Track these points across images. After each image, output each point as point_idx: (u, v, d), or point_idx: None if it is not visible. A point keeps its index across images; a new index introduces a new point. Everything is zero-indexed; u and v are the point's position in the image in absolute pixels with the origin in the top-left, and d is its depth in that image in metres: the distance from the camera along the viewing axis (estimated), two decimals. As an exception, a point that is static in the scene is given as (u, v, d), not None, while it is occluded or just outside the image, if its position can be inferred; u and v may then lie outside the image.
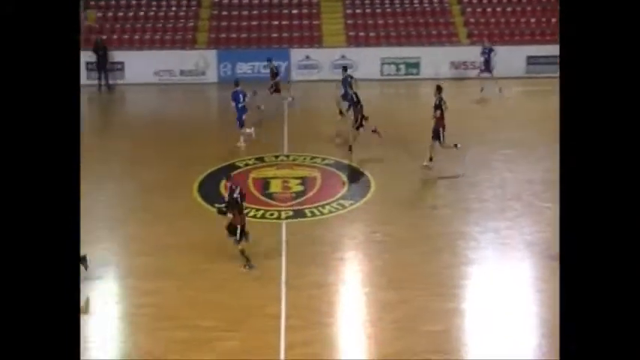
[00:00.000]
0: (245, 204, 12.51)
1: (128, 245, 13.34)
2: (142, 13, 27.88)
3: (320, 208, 14.75)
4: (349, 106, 18.62)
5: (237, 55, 26.37)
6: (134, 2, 28.19)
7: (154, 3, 28.18)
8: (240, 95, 18.18)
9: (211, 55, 26.10)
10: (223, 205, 12.38)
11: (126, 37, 26.84)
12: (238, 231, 12.07)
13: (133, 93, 24.62)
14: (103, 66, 24.80)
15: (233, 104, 18.14)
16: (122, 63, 25.47)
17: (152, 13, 27.90)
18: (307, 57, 26.26)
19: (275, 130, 19.56)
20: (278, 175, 16.59)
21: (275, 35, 27.31)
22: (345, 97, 19.53)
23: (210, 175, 16.48)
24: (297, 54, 26.25)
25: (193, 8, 28.23)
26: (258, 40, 27.23)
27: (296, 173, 16.66)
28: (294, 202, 15.08)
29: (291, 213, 14.52)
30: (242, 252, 12.15)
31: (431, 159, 16.49)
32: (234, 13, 28.10)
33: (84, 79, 25.07)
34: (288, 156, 17.74)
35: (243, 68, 26.04)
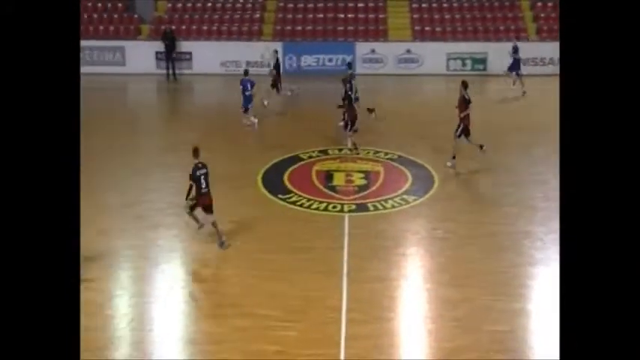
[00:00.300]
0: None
1: (194, 232, 13.56)
2: (209, 5, 28.30)
3: (383, 203, 14.69)
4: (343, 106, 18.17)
5: (302, 47, 26.49)
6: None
7: (222, -6, 28.57)
8: (248, 84, 19.24)
9: (277, 47, 26.28)
10: (190, 197, 12.65)
11: (194, 27, 27.28)
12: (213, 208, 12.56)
13: (200, 83, 25.01)
14: (170, 56, 25.28)
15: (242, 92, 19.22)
16: (190, 53, 25.92)
17: (219, 5, 28.29)
18: (372, 51, 26.17)
19: (338, 123, 19.56)
20: (341, 168, 16.60)
21: (340, 28, 27.31)
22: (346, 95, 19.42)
23: (275, 166, 16.63)
24: (362, 47, 26.19)
25: (260, 0, 28.47)
26: (324, 33, 27.29)
27: (359, 167, 16.64)
28: (357, 196, 15.06)
29: (353, 206, 14.51)
30: (215, 225, 12.65)
31: (454, 157, 16.35)
32: (300, 5, 28.22)
33: (153, 68, 25.75)
34: (351, 149, 17.72)
35: (308, 61, 26.15)
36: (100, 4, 28.28)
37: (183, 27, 27.12)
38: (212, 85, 25.17)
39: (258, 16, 27.85)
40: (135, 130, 19.80)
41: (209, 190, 12.60)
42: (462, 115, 16.00)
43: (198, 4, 28.29)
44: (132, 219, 14.10)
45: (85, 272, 11.97)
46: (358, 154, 17.28)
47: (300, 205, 14.53)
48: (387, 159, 17.06)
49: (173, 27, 26.33)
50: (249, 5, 28.31)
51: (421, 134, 16.84)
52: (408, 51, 25.82)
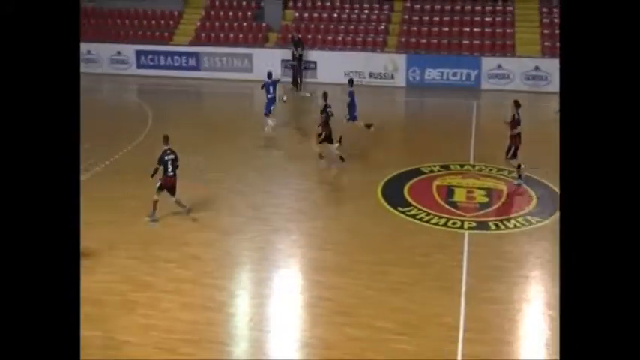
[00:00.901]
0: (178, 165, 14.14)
1: (313, 239, 13.79)
2: (335, 15, 28.71)
3: (505, 222, 14.34)
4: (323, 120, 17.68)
5: (426, 60, 26.35)
6: (329, 4, 29.07)
7: (348, 5, 28.90)
8: (271, 87, 19.57)
9: (400, 59, 26.30)
10: (154, 168, 14.07)
11: (319, 37, 27.76)
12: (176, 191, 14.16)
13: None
14: (298, 64, 25.82)
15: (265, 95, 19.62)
16: (315, 62, 26.38)
17: (345, 16, 28.64)
18: (499, 66, 25.64)
19: (461, 139, 19.31)
20: (463, 184, 16.35)
21: (466, 42, 26.95)
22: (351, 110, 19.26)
23: (395, 179, 16.62)
24: (488, 62, 25.72)
25: (385, 12, 28.58)
26: (448, 47, 27.02)
27: (482, 184, 16.33)
28: (478, 213, 14.79)
29: (474, 224, 14.25)
30: (179, 203, 14.30)
31: (520, 176, 15.97)
32: (426, 18, 28.09)
33: (279, 75, 26.35)
34: (474, 166, 17.44)
35: (432, 74, 25.97)
36: (230, 13, 29.35)
37: (309, 36, 27.66)
38: (335, 94, 25.49)
39: (383, 27, 27.97)
40: (259, 136, 20.36)
41: (175, 174, 14.12)
42: (512, 134, 15.78)
43: (325, 15, 28.77)
44: (256, 221, 14.51)
45: (211, 270, 12.50)
46: (343, 159, 17.19)
47: (420, 219, 14.44)
48: (511, 177, 16.64)
49: (299, 35, 26.91)
50: (375, 17, 28.49)
51: (546, 153, 16.26)
52: (537, 67, 25.10)
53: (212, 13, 29.50)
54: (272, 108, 19.68)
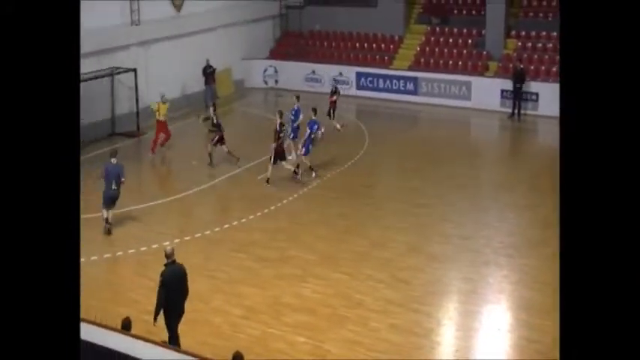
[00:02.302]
0: None
1: (523, 277, 13.33)
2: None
3: None
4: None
5: None
6: (555, 34, 28.03)
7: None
8: (315, 126, 18.41)
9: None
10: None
11: (543, 68, 26.86)
12: None
13: (544, 124, 24.45)
14: (518, 95, 25.20)
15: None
16: (536, 94, 25.54)
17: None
18: None
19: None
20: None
21: None
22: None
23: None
24: None
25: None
26: None
27: None
28: None
29: None
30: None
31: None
32: None
33: (497, 105, 25.91)
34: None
35: None
36: (451, 40, 29.39)
37: (532, 67, 26.86)
38: (556, 127, 24.53)
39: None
40: (474, 164, 20.14)
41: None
42: None
43: (550, 45, 27.78)
44: (466, 252, 14.36)
45: (419, 295, 12.56)
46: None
47: None
48: None
49: (522, 65, 26.24)
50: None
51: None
52: None
53: (432, 38, 29.75)
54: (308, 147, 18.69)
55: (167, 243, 13.70)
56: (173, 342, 9.87)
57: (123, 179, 14.94)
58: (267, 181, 17.90)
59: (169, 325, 10.19)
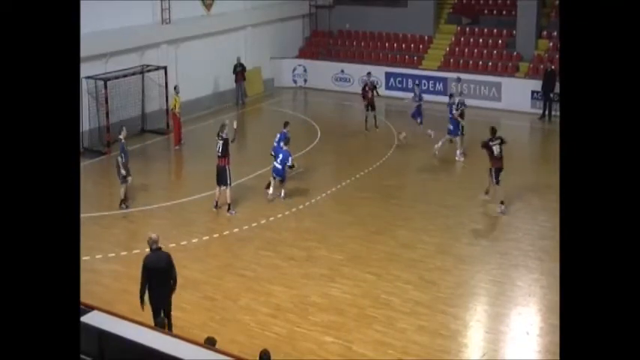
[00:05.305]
0: None
1: (554, 281, 13.14)
2: (595, 47, 27.24)
3: None
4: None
5: None
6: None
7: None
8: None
9: None
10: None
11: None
12: None
13: (574, 127, 24.14)
14: (549, 96, 24.95)
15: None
16: (568, 95, 25.22)
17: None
18: None
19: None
20: None
21: None
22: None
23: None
24: None
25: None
26: None
27: None
28: None
29: None
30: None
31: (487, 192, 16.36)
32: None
33: (528, 106, 25.63)
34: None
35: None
36: (481, 40, 29.17)
37: (564, 68, 26.56)
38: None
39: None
40: (504, 166, 19.96)
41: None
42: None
43: (582, 46, 27.46)
44: (495, 254, 14.26)
45: (446, 297, 12.51)
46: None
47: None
48: None
49: (553, 67, 25.96)
50: None
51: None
52: None
53: (462, 39, 29.54)
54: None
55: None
56: (158, 324, 9.52)
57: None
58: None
59: (154, 310, 10.44)
